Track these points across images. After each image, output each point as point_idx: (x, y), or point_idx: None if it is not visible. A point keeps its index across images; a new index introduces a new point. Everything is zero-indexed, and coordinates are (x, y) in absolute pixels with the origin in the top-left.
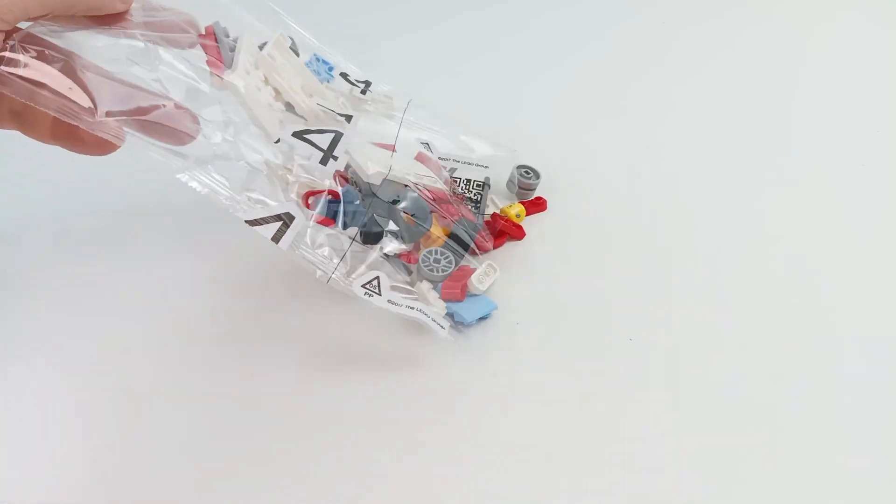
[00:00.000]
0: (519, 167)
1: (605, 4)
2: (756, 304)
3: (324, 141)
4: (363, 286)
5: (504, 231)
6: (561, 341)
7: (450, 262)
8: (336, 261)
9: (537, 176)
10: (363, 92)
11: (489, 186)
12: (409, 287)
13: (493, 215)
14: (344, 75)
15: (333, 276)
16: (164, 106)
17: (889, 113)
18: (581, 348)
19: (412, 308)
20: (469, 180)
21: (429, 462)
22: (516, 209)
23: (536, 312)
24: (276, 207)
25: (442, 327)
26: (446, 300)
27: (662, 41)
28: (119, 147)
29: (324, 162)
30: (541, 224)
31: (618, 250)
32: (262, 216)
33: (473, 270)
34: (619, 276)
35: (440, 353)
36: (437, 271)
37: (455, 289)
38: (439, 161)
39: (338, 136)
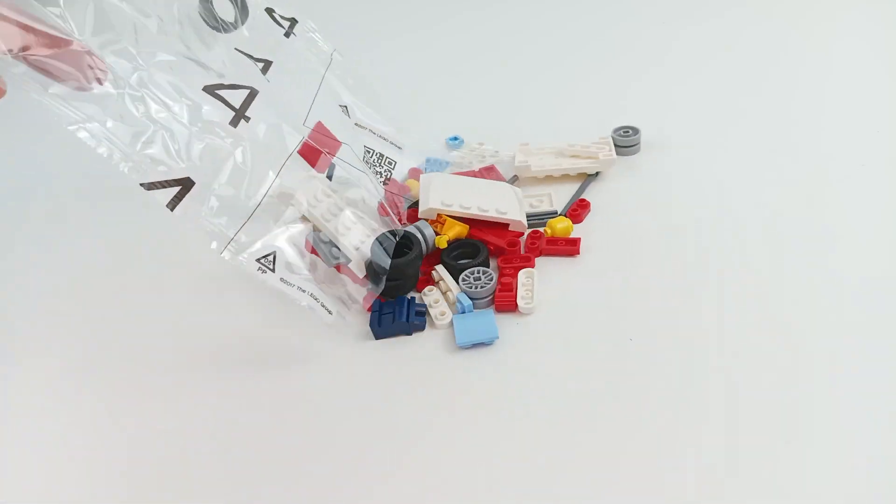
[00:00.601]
0: (616, 129)
1: (605, 4)
2: (756, 304)
3: (237, 98)
4: (258, 260)
5: (557, 253)
6: (561, 340)
7: (490, 279)
8: (233, 232)
9: (636, 132)
10: (287, 35)
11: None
12: (304, 267)
13: (538, 234)
14: (269, 10)
15: (229, 247)
16: (69, 45)
17: (889, 113)
18: (581, 347)
19: (303, 291)
20: (382, 154)
21: (426, 461)
22: (562, 223)
23: (537, 312)
24: (176, 170)
25: (329, 312)
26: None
27: (662, 41)
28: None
29: (234, 123)
30: None
31: (616, 250)
32: (159, 179)
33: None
34: (618, 276)
35: (436, 351)
36: (479, 288)
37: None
38: (355, 127)
39: (253, 93)
